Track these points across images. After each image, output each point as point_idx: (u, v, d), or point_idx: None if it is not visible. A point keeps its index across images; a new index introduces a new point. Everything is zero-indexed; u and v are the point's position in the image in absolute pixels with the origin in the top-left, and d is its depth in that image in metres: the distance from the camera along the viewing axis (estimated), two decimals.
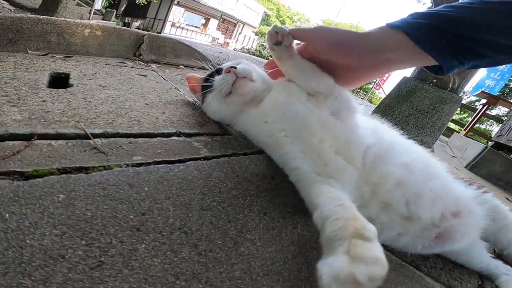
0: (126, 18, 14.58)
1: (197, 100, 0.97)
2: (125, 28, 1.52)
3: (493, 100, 4.08)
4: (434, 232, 0.63)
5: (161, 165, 0.53)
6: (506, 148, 3.06)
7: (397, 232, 0.63)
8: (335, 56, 0.60)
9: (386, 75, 17.25)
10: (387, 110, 1.58)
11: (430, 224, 0.62)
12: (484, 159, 2.39)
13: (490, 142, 3.78)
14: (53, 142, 0.51)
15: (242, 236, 0.49)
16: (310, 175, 0.59)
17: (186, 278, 0.39)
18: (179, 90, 1.10)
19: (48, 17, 1.24)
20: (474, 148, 2.80)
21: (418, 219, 0.61)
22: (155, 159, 0.54)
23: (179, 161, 0.57)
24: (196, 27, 18.61)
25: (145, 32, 1.60)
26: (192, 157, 0.60)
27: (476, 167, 2.32)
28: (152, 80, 1.13)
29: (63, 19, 1.28)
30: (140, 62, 1.49)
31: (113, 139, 0.57)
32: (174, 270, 0.39)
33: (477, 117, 4.20)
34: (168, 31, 16.14)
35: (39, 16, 1.20)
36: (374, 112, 1.70)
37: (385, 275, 0.33)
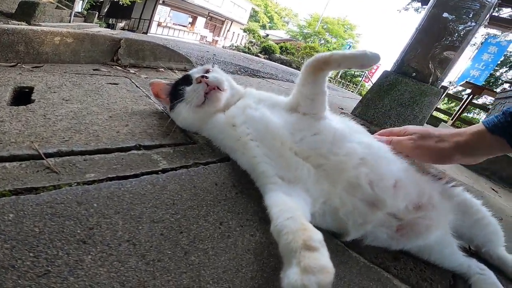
0: (110, 20, 14.61)
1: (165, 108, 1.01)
2: (100, 33, 1.56)
3: (478, 90, 4.29)
4: (395, 224, 0.67)
5: (113, 181, 0.57)
6: None
7: (362, 221, 0.65)
8: (438, 164, 0.80)
9: (375, 67, 18.16)
10: (370, 104, 1.63)
11: (393, 215, 0.66)
12: None
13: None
14: (7, 164, 0.55)
15: (194, 246, 0.52)
16: (271, 181, 0.65)
17: (131, 285, 0.43)
18: (150, 98, 1.13)
19: (14, 26, 1.28)
20: None
21: (382, 204, 0.65)
22: (109, 175, 0.58)
23: (134, 176, 0.60)
24: (183, 26, 18.89)
25: (122, 36, 1.63)
26: (148, 170, 0.63)
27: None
28: (123, 89, 1.16)
29: (30, 28, 1.32)
30: (117, 67, 1.52)
31: (67, 157, 0.61)
32: (120, 278, 0.43)
33: (463, 107, 4.41)
34: (155, 31, 16.28)
35: (4, 26, 1.24)
36: (357, 107, 1.75)
37: (332, 280, 0.39)
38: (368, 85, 20.48)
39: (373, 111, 1.57)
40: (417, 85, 1.50)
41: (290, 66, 12.00)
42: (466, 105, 4.47)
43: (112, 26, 13.48)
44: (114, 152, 0.67)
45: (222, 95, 0.81)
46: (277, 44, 18.09)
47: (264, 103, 0.80)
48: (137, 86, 1.25)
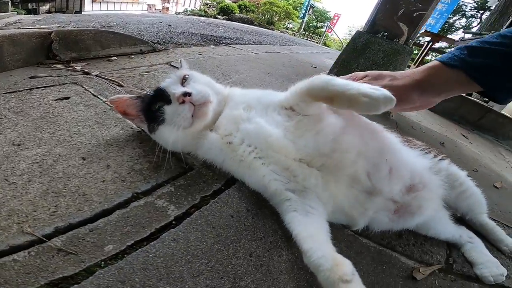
0: (29, 4, 12.29)
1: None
2: (20, 31, 1.29)
3: (436, 38, 4.84)
4: (393, 207, 0.80)
5: (137, 250, 0.58)
6: None
7: (363, 209, 0.77)
8: (398, 107, 0.69)
9: (336, 18, 19.69)
10: (345, 65, 1.70)
11: (390, 199, 0.79)
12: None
13: None
14: (15, 256, 0.53)
15: (237, 285, 0.60)
16: (284, 197, 0.73)
17: None
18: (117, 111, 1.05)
19: None
20: None
21: (380, 192, 0.76)
22: (127, 244, 0.59)
23: (151, 236, 0.62)
24: None
25: (51, 28, 1.40)
26: (162, 225, 0.65)
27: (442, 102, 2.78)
28: (78, 105, 1.04)
29: None
30: (57, 65, 1.33)
31: (70, 232, 0.59)
32: None
33: (424, 52, 5.04)
34: (90, 8, 14.34)
35: None
36: (333, 68, 1.81)
37: None
38: (331, 35, 23.18)
39: (349, 72, 1.64)
40: (390, 44, 1.59)
41: (252, 24, 12.46)
42: (428, 51, 5.04)
43: (33, 11, 11.40)
44: (114, 211, 0.66)
45: (209, 108, 0.78)
46: (235, 2, 17.52)
47: (255, 109, 0.80)
48: (94, 96, 1.12)
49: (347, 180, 0.76)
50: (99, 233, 0.60)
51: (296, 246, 0.67)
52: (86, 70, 1.35)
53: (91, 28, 1.54)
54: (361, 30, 1.76)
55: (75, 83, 1.19)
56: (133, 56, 1.61)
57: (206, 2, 19.42)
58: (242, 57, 2.34)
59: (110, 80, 1.28)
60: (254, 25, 10.99)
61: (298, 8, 19.93)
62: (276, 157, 0.74)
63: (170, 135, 0.78)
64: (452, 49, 0.77)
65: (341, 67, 1.74)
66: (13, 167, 0.72)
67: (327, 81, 0.67)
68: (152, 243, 0.60)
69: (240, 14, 15.45)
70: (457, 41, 4.48)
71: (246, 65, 2.14)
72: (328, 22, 21.43)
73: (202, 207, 0.72)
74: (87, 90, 1.15)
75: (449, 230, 0.90)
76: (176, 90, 0.77)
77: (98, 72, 1.32)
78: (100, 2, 14.99)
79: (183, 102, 0.74)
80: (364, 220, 0.79)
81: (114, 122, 0.98)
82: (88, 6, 14.36)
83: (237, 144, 0.77)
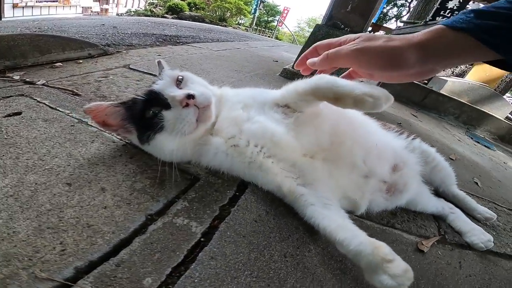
0: None
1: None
2: None
3: (376, 28, 5.32)
4: (384, 187, 0.90)
5: (181, 278, 0.54)
6: None
7: (362, 193, 0.85)
8: (391, 75, 0.61)
9: (286, 12, 20.67)
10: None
11: (382, 180, 0.88)
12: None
13: None
14: None
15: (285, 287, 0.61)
16: (299, 193, 0.75)
17: None
18: (88, 123, 0.92)
19: None
20: None
21: (374, 174, 0.86)
22: (165, 273, 0.54)
23: (187, 259, 0.58)
24: (53, 0, 15.38)
25: None
26: (193, 244, 0.61)
27: (381, 85, 3.11)
28: (36, 120, 0.89)
29: None
30: None
31: (95, 271, 0.51)
32: None
33: None
34: (11, 15, 12.40)
35: None
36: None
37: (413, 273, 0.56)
38: (282, 28, 24.07)
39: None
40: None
41: (204, 21, 12.10)
42: None
43: None
44: (134, 240, 0.59)
45: (212, 110, 0.76)
46: (184, 0, 16.67)
47: (252, 108, 0.82)
48: (52, 108, 0.97)
49: (347, 167, 0.83)
50: (128, 266, 0.54)
51: (320, 239, 0.74)
52: (27, 79, 1.15)
53: (25, 32, 1.32)
54: (319, 23, 1.88)
55: (22, 95, 1.01)
56: (81, 61, 1.45)
57: (152, 1, 18.09)
58: (204, 55, 2.26)
59: (62, 89, 1.12)
60: (206, 23, 10.80)
61: (249, 3, 19.92)
62: (283, 155, 0.78)
63: (170, 144, 0.73)
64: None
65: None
66: None
67: (333, 83, 0.69)
68: (191, 266, 0.57)
69: (190, 12, 14.93)
70: (394, 29, 4.99)
71: (211, 63, 2.08)
72: (279, 16, 22.02)
73: (226, 218, 0.70)
74: (41, 102, 0.99)
75: (432, 203, 1.03)
76: (176, 92, 0.72)
77: (44, 81, 1.15)
78: (23, 7, 12.99)
79: (187, 105, 0.70)
80: (365, 203, 0.87)
81: (89, 137, 0.87)
82: (8, 12, 12.46)
83: (244, 145, 0.77)
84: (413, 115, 2.66)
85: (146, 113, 0.74)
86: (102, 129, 0.81)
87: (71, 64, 1.40)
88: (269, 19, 26.45)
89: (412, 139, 1.07)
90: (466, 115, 3.54)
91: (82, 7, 17.16)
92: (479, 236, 0.94)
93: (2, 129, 0.82)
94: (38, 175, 0.69)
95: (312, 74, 0.75)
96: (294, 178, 0.77)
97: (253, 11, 19.35)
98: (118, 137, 0.90)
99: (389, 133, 1.04)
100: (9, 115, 0.88)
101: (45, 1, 14.71)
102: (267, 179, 0.78)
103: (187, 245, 0.61)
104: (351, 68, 0.70)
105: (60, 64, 1.35)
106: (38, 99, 1.01)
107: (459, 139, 2.63)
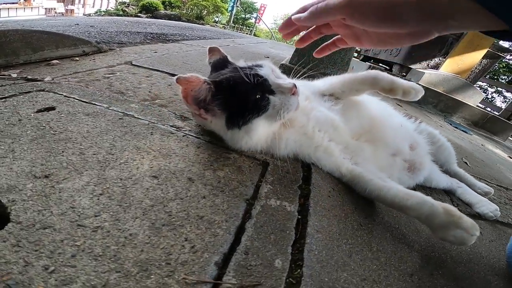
0: None
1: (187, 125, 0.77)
2: None
3: None
4: (406, 166, 0.94)
5: (304, 254, 0.50)
6: (372, 59, 4.66)
7: (392, 171, 0.87)
8: (386, 31, 0.50)
9: (263, 9, 19.50)
10: (304, 52, 1.77)
11: (404, 159, 0.92)
12: None
13: (360, 56, 5.37)
14: None
15: (371, 241, 0.61)
16: (357, 172, 0.76)
17: None
18: (135, 116, 0.80)
19: None
20: (361, 66, 3.94)
21: (400, 152, 0.90)
22: (288, 251, 0.50)
23: (298, 236, 0.54)
24: (13, 3, 13.18)
25: None
26: (295, 221, 0.57)
27: None
28: (78, 114, 0.74)
29: None
30: None
31: (231, 264, 0.44)
32: None
33: None
34: None
35: None
36: (293, 57, 1.86)
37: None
38: (259, 25, 22.39)
39: (307, 58, 1.73)
40: None
41: (180, 20, 11.01)
42: None
43: None
44: (245, 225, 0.53)
45: None
46: None
47: (312, 99, 0.83)
48: (85, 102, 0.82)
49: (383, 147, 0.87)
50: (255, 252, 0.48)
51: (374, 210, 0.76)
52: (29, 76, 0.95)
53: (18, 28, 1.10)
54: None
55: (43, 90, 0.84)
56: (77, 58, 1.26)
57: (123, 0, 15.75)
58: (200, 52, 2.06)
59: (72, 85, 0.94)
60: (182, 21, 9.82)
61: (225, 1, 18.23)
62: (339, 138, 0.80)
63: (261, 129, 0.70)
64: None
65: (300, 55, 1.81)
66: (73, 207, 0.47)
67: (392, 78, 0.78)
68: (307, 241, 0.53)
69: (166, 11, 13.39)
70: None
71: None
72: (257, 13, 21.37)
73: (310, 195, 0.66)
74: (69, 97, 0.83)
75: (444, 179, 1.06)
76: (283, 81, 0.70)
77: (50, 78, 0.96)
78: None
79: (294, 93, 0.69)
80: (395, 181, 0.89)
81: (145, 129, 0.75)
82: None
83: (312, 132, 0.77)
84: (398, 104, 2.68)
85: (253, 95, 0.67)
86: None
87: (67, 61, 1.21)
88: (246, 16, 24.87)
89: (420, 122, 1.12)
90: (443, 104, 3.57)
91: (45, 8, 14.61)
92: (487, 206, 0.95)
93: (43, 125, 0.67)
94: (117, 170, 0.58)
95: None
96: (349, 159, 0.80)
97: (230, 8, 18.08)
98: (174, 128, 0.79)
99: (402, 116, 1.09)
100: (41, 110, 0.72)
101: (4, 3, 12.33)
102: (330, 161, 0.78)
103: (291, 223, 0.57)
104: (336, 37, 0.59)
105: (56, 61, 1.16)
106: (65, 93, 0.85)
107: (440, 125, 2.70)
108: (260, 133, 0.71)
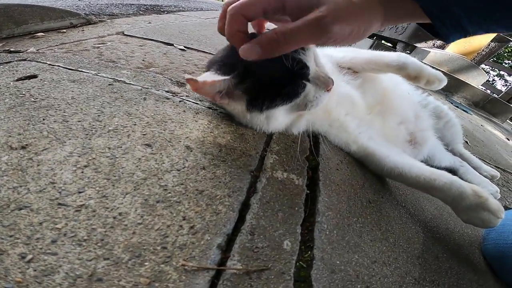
0: None
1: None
2: None
3: None
4: (408, 138, 0.85)
5: (315, 234, 0.44)
6: (375, 36, 4.55)
7: (396, 140, 0.81)
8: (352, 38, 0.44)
9: None
10: None
11: (407, 128, 0.84)
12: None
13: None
14: None
15: (380, 226, 0.55)
16: (375, 150, 0.69)
17: None
18: (126, 82, 0.69)
19: None
20: (365, 42, 3.79)
21: (405, 120, 0.83)
22: (298, 231, 0.43)
23: (307, 214, 0.48)
24: None
25: None
26: (304, 197, 0.50)
27: None
28: (62, 81, 0.64)
29: None
30: None
31: (236, 246, 0.38)
32: None
33: None
34: None
35: None
36: None
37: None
38: None
39: None
40: None
41: None
42: None
43: None
44: (250, 200, 0.46)
45: None
46: None
47: (333, 72, 0.73)
48: (73, 70, 0.72)
49: (391, 117, 0.81)
50: (262, 233, 0.42)
51: (383, 185, 0.69)
52: (12, 49, 0.84)
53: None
54: None
55: (24, 60, 0.72)
56: (64, 31, 1.14)
57: None
58: (198, 23, 1.82)
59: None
60: None
61: None
62: (356, 113, 0.73)
63: (282, 118, 0.61)
64: None
65: None
66: (53, 182, 0.39)
67: (421, 66, 0.71)
68: (318, 219, 0.47)
69: None
70: None
71: (208, 29, 1.68)
72: None
73: (318, 168, 0.59)
74: (53, 65, 0.71)
75: (447, 157, 0.97)
76: (324, 74, 0.58)
77: (35, 50, 0.84)
78: None
79: (329, 91, 0.59)
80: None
81: (137, 94, 0.64)
82: None
83: (331, 109, 0.69)
84: None
85: (287, 82, 0.55)
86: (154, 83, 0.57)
87: (54, 34, 1.08)
88: None
89: (427, 95, 1.01)
90: (447, 83, 3.47)
91: None
92: (488, 187, 0.90)
93: (23, 93, 0.56)
94: (104, 138, 0.49)
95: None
96: (364, 133, 0.72)
97: None
98: (169, 93, 0.68)
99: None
100: (21, 79, 0.61)
101: None
102: (343, 136, 0.71)
103: (300, 199, 0.51)
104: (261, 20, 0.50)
105: (42, 34, 1.05)
106: (48, 62, 0.73)
107: (442, 103, 2.60)
108: (280, 120, 0.62)
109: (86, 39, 1.05)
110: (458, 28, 0.39)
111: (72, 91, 0.61)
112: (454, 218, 0.67)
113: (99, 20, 1.44)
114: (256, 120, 0.60)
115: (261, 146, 0.59)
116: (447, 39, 0.43)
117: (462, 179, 0.93)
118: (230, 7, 0.42)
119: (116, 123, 0.53)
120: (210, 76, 0.51)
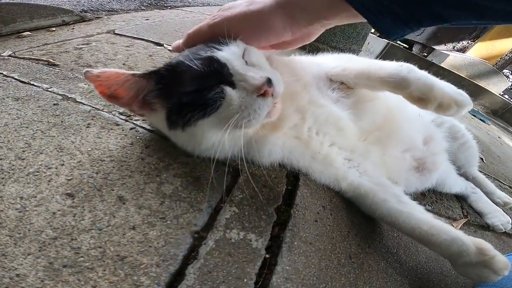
0: None
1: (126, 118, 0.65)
2: None
3: None
4: (415, 165, 0.81)
5: None
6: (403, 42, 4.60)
7: (400, 172, 0.77)
8: (268, 42, 0.57)
9: None
10: None
11: (414, 156, 0.80)
12: (388, 52, 3.49)
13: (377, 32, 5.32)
14: None
15: None
16: (365, 186, 0.65)
17: None
18: (77, 100, 0.70)
19: None
20: (378, 43, 3.87)
21: (412, 147, 0.79)
22: None
23: (259, 284, 0.44)
24: None
25: None
26: (259, 264, 0.46)
27: (382, 59, 3.05)
28: (5, 100, 0.63)
29: None
30: None
31: None
32: None
33: None
34: None
35: None
36: None
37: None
38: None
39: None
40: None
41: None
42: None
43: None
44: (186, 270, 0.43)
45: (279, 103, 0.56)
46: None
47: (312, 86, 0.66)
48: (23, 82, 0.74)
49: (393, 144, 0.76)
50: None
51: (373, 230, 0.68)
52: None
53: None
54: None
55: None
56: (54, 29, 1.25)
57: None
58: (199, 20, 1.85)
59: (34, 59, 0.88)
60: None
61: None
62: (344, 142, 0.67)
63: (214, 136, 0.52)
64: None
65: None
66: None
67: (432, 82, 0.58)
68: None
69: None
70: None
71: None
72: None
73: (288, 224, 0.55)
74: (8, 76, 0.75)
75: (459, 183, 0.96)
76: (253, 73, 0.50)
77: (11, 52, 0.92)
78: None
79: (264, 94, 0.48)
80: (403, 183, 0.78)
81: (81, 119, 0.64)
82: None
83: (307, 136, 0.63)
84: None
85: (193, 85, 0.50)
86: (108, 100, 0.54)
87: (42, 32, 1.18)
88: None
89: None
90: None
91: None
92: (499, 217, 0.91)
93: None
94: (20, 184, 0.48)
95: None
96: (356, 168, 0.67)
97: None
98: (122, 117, 0.67)
99: None
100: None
101: None
102: (329, 173, 0.65)
103: (253, 267, 0.47)
104: None
105: (28, 33, 1.15)
106: (4, 72, 0.77)
107: (459, 122, 2.56)
108: (213, 140, 0.53)
109: (71, 39, 1.11)
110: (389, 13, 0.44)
111: (9, 113, 0.62)
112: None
113: (96, 17, 1.55)
114: (182, 140, 0.56)
115: (219, 195, 0.56)
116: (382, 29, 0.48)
117: (472, 207, 0.96)
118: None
119: (40, 163, 0.51)
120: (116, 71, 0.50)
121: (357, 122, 0.68)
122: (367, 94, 0.71)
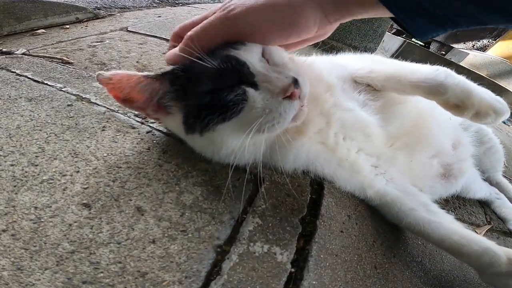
0: None
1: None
2: None
3: None
4: (442, 171, 0.79)
5: None
6: (405, 34, 4.43)
7: (425, 179, 0.75)
8: (296, 37, 0.49)
9: None
10: None
11: (441, 162, 0.78)
12: (404, 50, 3.51)
13: (392, 29, 5.15)
14: None
15: None
16: (393, 195, 0.64)
17: None
18: (91, 100, 0.70)
19: None
20: (393, 41, 3.90)
21: (441, 153, 0.77)
22: None
23: None
24: None
25: None
26: (285, 279, 0.45)
27: (398, 57, 2.98)
28: (18, 100, 0.62)
29: None
30: None
31: None
32: None
33: None
34: None
35: None
36: None
37: None
38: None
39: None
40: None
41: None
42: None
43: None
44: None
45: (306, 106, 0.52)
46: None
47: (336, 88, 0.63)
48: (37, 82, 0.73)
49: (422, 150, 0.73)
50: None
51: (399, 239, 0.67)
52: (4, 49, 0.93)
53: None
54: None
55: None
56: (68, 26, 1.26)
57: None
58: None
59: (48, 57, 0.88)
60: None
61: None
62: (371, 148, 0.65)
63: (234, 141, 0.50)
64: None
65: None
66: None
67: (469, 88, 0.56)
68: None
69: None
70: None
71: None
72: None
73: (314, 236, 0.53)
74: (21, 75, 0.74)
75: (483, 189, 0.95)
76: (277, 73, 0.47)
77: (25, 50, 0.92)
78: None
79: (290, 96, 0.46)
80: (428, 190, 0.76)
81: (96, 121, 0.62)
82: None
83: (334, 142, 0.61)
84: None
85: (209, 86, 0.48)
86: (123, 104, 0.53)
87: (56, 30, 1.20)
88: None
89: None
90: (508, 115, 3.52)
91: None
92: None
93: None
94: (34, 192, 0.46)
95: None
96: (383, 175, 0.65)
97: None
98: (137, 119, 0.66)
99: None
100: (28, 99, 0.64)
101: None
102: (355, 180, 0.63)
103: (278, 282, 0.45)
104: None
105: (42, 31, 1.16)
106: (18, 71, 0.77)
107: (485, 126, 2.52)
108: (234, 145, 0.50)
109: (86, 37, 1.12)
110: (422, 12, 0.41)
111: (22, 115, 0.61)
112: None
113: (109, 14, 1.58)
114: (200, 145, 0.55)
115: (241, 205, 0.54)
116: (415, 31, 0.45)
117: (495, 212, 0.95)
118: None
119: (54, 169, 0.50)
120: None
121: (385, 127, 0.66)
122: (396, 97, 0.68)
